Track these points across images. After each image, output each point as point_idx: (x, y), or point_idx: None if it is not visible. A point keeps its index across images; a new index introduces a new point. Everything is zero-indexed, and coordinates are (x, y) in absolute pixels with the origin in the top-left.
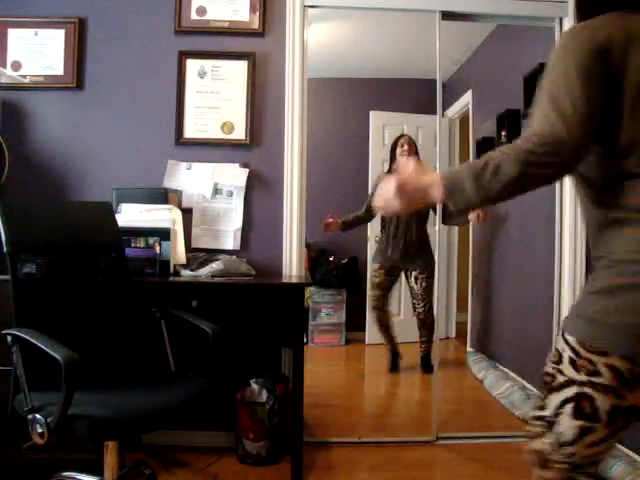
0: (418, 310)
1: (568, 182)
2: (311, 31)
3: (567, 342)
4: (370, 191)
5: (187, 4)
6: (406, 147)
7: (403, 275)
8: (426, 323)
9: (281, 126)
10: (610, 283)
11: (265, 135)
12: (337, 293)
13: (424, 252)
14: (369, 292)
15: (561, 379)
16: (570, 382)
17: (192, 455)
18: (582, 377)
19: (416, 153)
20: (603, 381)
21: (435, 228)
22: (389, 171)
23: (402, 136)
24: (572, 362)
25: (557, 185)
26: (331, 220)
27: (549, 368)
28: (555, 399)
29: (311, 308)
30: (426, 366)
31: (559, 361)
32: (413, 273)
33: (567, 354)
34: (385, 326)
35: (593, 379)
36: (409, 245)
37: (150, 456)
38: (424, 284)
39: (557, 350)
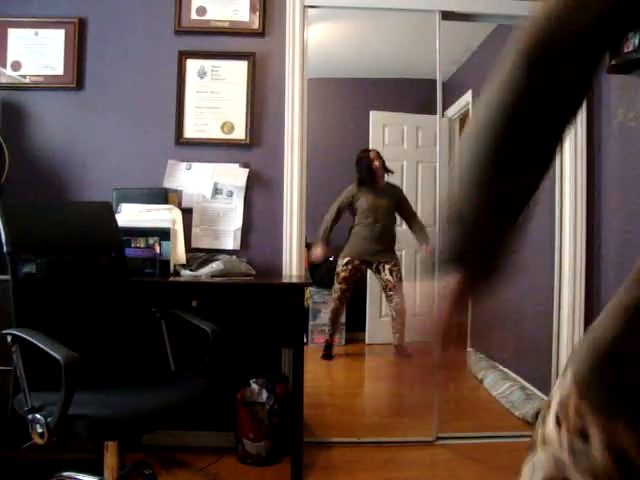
0: (396, 300)
1: (568, 173)
2: (311, 31)
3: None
4: (341, 199)
5: (187, 4)
6: (377, 162)
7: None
8: (400, 311)
9: (281, 126)
10: None
11: (265, 135)
12: None
13: (393, 246)
14: (335, 285)
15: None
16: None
17: (192, 455)
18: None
19: (384, 167)
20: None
21: (436, 228)
22: (360, 183)
23: (369, 151)
24: (557, 417)
25: (557, 178)
26: (318, 252)
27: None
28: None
29: (311, 308)
30: (404, 353)
31: (543, 417)
32: (386, 266)
33: (556, 402)
34: (338, 319)
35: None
36: (383, 240)
37: (150, 456)
38: (399, 275)
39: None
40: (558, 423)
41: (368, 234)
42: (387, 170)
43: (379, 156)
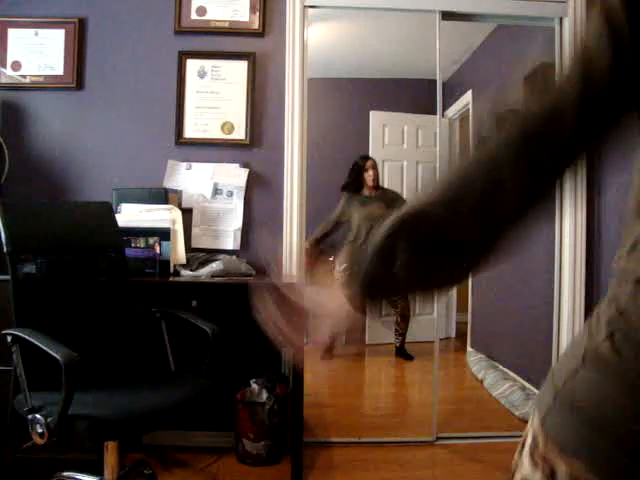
0: (401, 306)
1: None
2: (311, 31)
3: (532, 421)
4: (339, 207)
5: (187, 4)
6: (371, 172)
7: None
8: (406, 317)
9: (281, 126)
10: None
11: (265, 135)
12: None
13: None
14: None
15: (517, 476)
16: None
17: (192, 455)
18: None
19: (377, 179)
20: None
21: None
22: (354, 191)
23: (368, 159)
24: (531, 454)
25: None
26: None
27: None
28: None
29: None
30: (405, 355)
31: (522, 447)
32: None
33: (529, 440)
34: None
35: None
36: None
37: (150, 456)
38: None
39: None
40: (533, 463)
41: (362, 241)
42: (377, 185)
43: (375, 167)
